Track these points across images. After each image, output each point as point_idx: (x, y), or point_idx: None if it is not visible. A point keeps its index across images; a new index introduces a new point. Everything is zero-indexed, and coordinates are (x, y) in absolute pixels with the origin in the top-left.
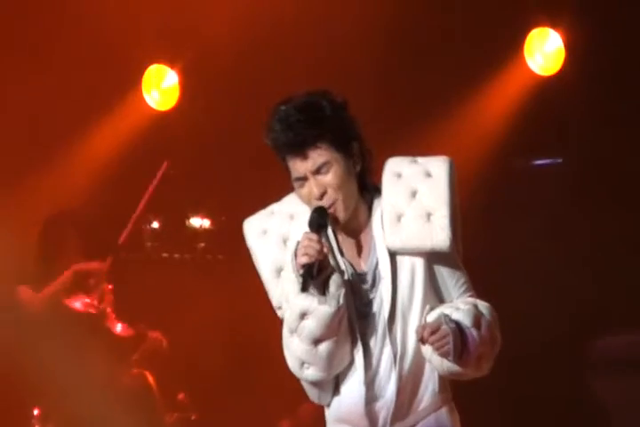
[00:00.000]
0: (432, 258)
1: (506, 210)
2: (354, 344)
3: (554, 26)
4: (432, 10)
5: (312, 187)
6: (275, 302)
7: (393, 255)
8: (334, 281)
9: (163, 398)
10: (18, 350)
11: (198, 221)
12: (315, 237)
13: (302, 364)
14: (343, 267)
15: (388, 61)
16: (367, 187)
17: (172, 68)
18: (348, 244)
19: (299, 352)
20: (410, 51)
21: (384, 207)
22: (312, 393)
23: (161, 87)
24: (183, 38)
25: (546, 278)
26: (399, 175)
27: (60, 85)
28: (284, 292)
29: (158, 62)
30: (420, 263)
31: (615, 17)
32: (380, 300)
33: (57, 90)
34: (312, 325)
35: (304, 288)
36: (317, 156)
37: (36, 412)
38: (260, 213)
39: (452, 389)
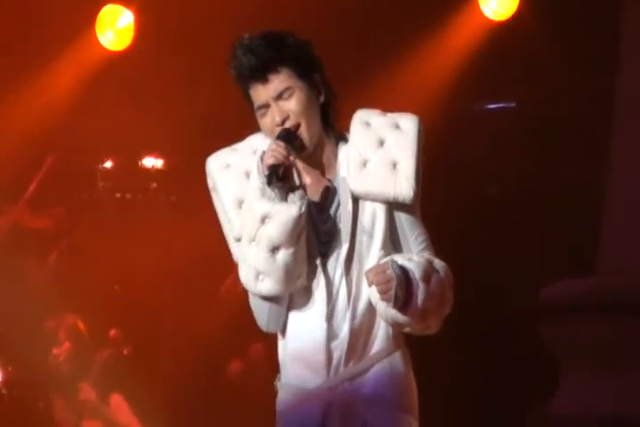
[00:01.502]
0: (393, 209)
1: (459, 155)
2: (314, 276)
3: None
4: None
5: (274, 113)
6: (235, 233)
7: (355, 200)
8: (298, 192)
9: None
10: None
11: (151, 161)
12: (282, 144)
13: (257, 275)
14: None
15: (342, 6)
16: (332, 126)
17: (127, 7)
18: (310, 180)
19: (255, 262)
20: None
21: (350, 152)
22: (261, 316)
23: (116, 27)
24: None
25: (496, 225)
26: (368, 124)
27: (14, 24)
28: (247, 207)
29: (113, 2)
30: (381, 211)
31: None
32: (339, 241)
33: (11, 28)
34: (271, 229)
35: (269, 182)
36: (279, 81)
37: None
38: (223, 149)
39: (404, 335)
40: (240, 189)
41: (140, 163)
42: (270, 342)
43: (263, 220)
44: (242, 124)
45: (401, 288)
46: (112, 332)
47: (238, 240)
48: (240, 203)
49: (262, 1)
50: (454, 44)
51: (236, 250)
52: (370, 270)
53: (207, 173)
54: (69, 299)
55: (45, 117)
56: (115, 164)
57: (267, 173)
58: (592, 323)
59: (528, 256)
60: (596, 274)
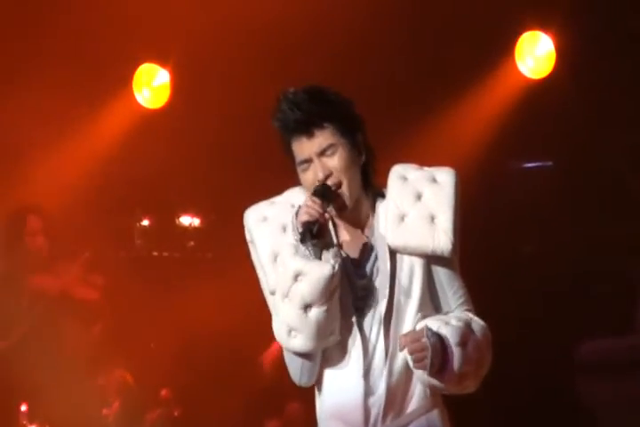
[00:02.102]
0: (432, 263)
1: (496, 213)
2: (350, 333)
3: (544, 29)
4: (424, 13)
5: (317, 169)
6: (270, 287)
7: (393, 254)
8: (333, 250)
9: (146, 395)
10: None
11: (188, 220)
12: (318, 200)
13: (290, 331)
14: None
15: (380, 65)
16: (370, 185)
17: (163, 66)
18: (348, 237)
19: (288, 318)
20: (402, 54)
21: (388, 207)
22: (295, 371)
23: (152, 85)
24: (174, 37)
25: (535, 282)
26: (405, 178)
27: (51, 82)
28: (281, 267)
29: (149, 61)
30: (419, 266)
31: (605, 20)
32: (376, 296)
33: (48, 86)
34: (304, 287)
35: (303, 240)
36: (324, 137)
37: (23, 408)
38: (261, 202)
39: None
40: (276, 242)
41: (176, 221)
42: (307, 400)
43: (296, 277)
44: (278, 183)
45: (436, 356)
46: (162, 392)
47: (273, 294)
48: (276, 256)
49: (300, 58)
50: (491, 102)
51: (272, 303)
52: (404, 338)
53: (245, 226)
54: (116, 359)
55: (84, 174)
56: (151, 221)
57: (301, 229)
58: (632, 380)
59: (565, 314)
60: (635, 331)
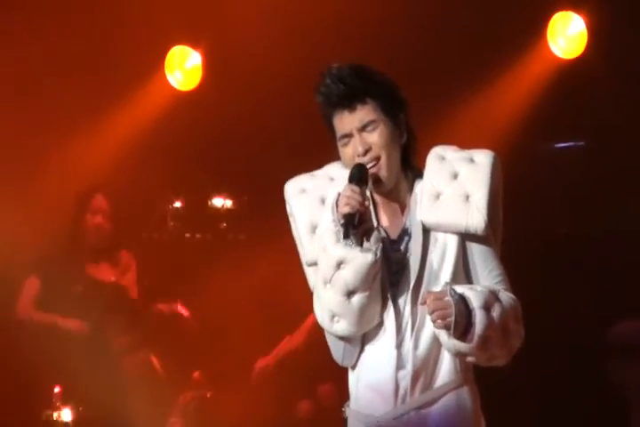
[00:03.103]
0: (466, 241)
1: (528, 194)
2: (385, 307)
3: (576, 9)
4: None
5: (356, 144)
6: (308, 259)
7: (427, 232)
8: (374, 235)
9: (180, 378)
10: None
11: (220, 202)
12: (357, 189)
13: (333, 317)
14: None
15: (411, 46)
16: (410, 165)
17: (195, 48)
18: (384, 213)
19: (331, 304)
20: (433, 35)
21: (425, 185)
22: (337, 352)
23: (184, 68)
24: (206, 19)
25: (566, 265)
26: (443, 158)
27: (84, 65)
28: (321, 244)
29: (181, 43)
30: (453, 243)
31: (637, 0)
32: (409, 271)
33: (81, 70)
34: (347, 275)
35: (346, 235)
36: (366, 112)
37: (57, 390)
38: (301, 175)
39: (474, 371)
40: (314, 214)
41: (209, 202)
42: (339, 381)
43: (339, 265)
44: (310, 163)
45: (460, 316)
46: (195, 374)
47: (309, 265)
48: (314, 228)
49: (331, 40)
50: (523, 82)
51: (312, 277)
52: (428, 295)
53: (285, 198)
54: (145, 340)
55: (116, 156)
56: (184, 203)
57: (342, 221)
58: None
59: (599, 295)
60: None
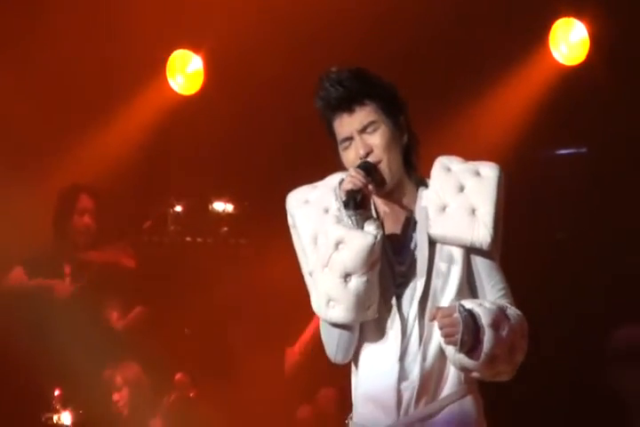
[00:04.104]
0: (471, 255)
1: (530, 200)
2: (388, 316)
3: (579, 16)
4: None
5: (358, 146)
6: (310, 268)
7: (432, 244)
8: (374, 223)
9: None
10: (40, 333)
11: (221, 206)
12: (362, 172)
13: (329, 302)
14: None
15: (413, 51)
16: (414, 169)
17: (196, 53)
18: (388, 220)
19: (327, 287)
20: (435, 41)
21: (430, 196)
22: (330, 345)
23: (185, 72)
24: (208, 23)
25: (566, 270)
26: (448, 169)
27: (86, 69)
28: (322, 230)
29: (183, 48)
30: (458, 256)
31: (639, 7)
32: (415, 283)
33: (83, 73)
34: (345, 255)
35: (346, 205)
36: (365, 113)
37: (57, 393)
38: (303, 186)
39: (477, 382)
40: (318, 224)
41: (210, 207)
42: (340, 386)
43: (337, 245)
44: (311, 169)
45: (468, 333)
46: (177, 376)
47: (310, 275)
48: (317, 238)
49: (332, 45)
50: (525, 89)
51: (313, 295)
52: (437, 311)
53: (287, 210)
54: (139, 342)
55: (118, 160)
56: (185, 207)
57: (344, 198)
58: None
59: (599, 301)
60: None
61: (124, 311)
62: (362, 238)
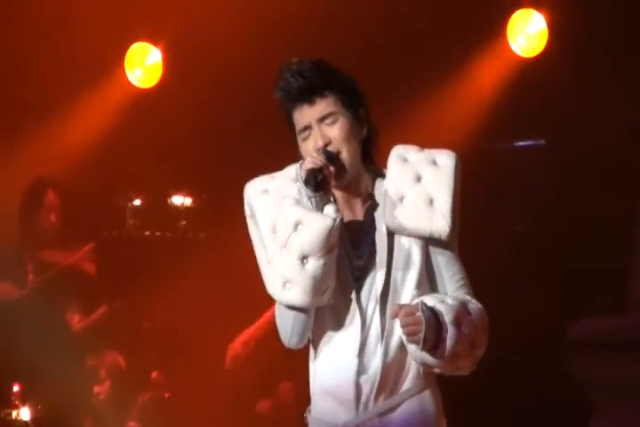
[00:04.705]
0: (430, 245)
1: (488, 192)
2: (348, 310)
3: (537, 7)
4: None
5: (316, 137)
6: (269, 258)
7: (391, 235)
8: (334, 206)
9: (139, 377)
10: None
11: (180, 200)
12: (324, 155)
13: (285, 283)
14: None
15: (371, 43)
16: (372, 162)
17: (155, 45)
18: (346, 213)
19: (284, 269)
20: (392, 32)
21: (387, 187)
22: (285, 328)
23: (144, 65)
24: (167, 16)
25: (524, 262)
26: (405, 160)
27: (42, 62)
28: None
29: (142, 40)
30: (417, 247)
31: None
32: (374, 276)
33: (39, 67)
34: (304, 236)
35: (307, 182)
36: (325, 104)
37: (15, 388)
38: (261, 176)
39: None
40: (277, 213)
41: (169, 200)
42: (299, 379)
43: (296, 226)
44: (270, 162)
45: (430, 331)
46: (153, 374)
47: (269, 264)
48: (275, 227)
49: (291, 37)
50: (483, 81)
51: (269, 275)
52: (399, 310)
53: (245, 199)
54: (108, 339)
55: (75, 154)
56: (143, 201)
57: (305, 176)
58: (621, 360)
59: (557, 293)
60: (625, 310)
61: (85, 312)
62: (321, 220)
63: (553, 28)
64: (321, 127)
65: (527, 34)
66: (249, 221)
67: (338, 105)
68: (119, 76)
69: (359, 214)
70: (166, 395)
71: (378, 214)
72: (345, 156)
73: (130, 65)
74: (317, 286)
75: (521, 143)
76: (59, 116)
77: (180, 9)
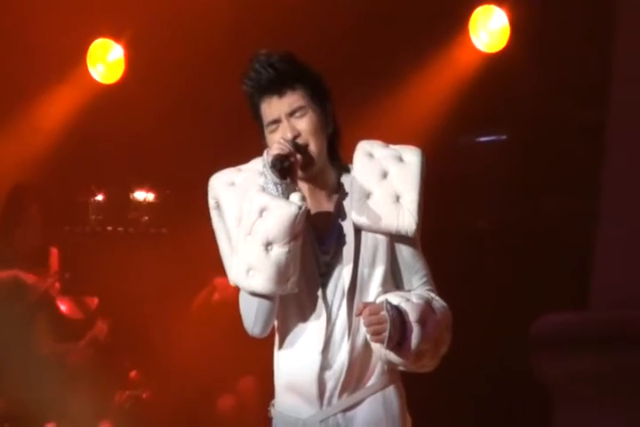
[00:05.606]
0: (395, 242)
1: (450, 187)
2: (314, 307)
3: (499, 3)
4: None
5: (285, 130)
6: (234, 250)
7: (357, 231)
8: (299, 195)
9: (110, 376)
10: None
11: (142, 195)
12: (291, 143)
13: (249, 270)
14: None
15: (333, 38)
16: (337, 156)
17: (117, 41)
18: (312, 207)
19: (248, 256)
20: (355, 27)
21: (353, 184)
22: (248, 316)
23: (106, 61)
24: (129, 12)
25: (487, 258)
26: (371, 156)
27: (6, 58)
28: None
29: (104, 36)
30: (382, 244)
31: None
32: (341, 272)
33: (3, 62)
34: (269, 223)
35: (273, 166)
36: (295, 97)
37: None
38: (227, 169)
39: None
40: (244, 205)
41: (131, 196)
42: (261, 373)
43: (261, 213)
44: (233, 157)
45: (395, 330)
46: (132, 373)
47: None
48: (242, 219)
49: (254, 32)
50: (445, 77)
51: (232, 267)
52: (364, 308)
53: (209, 190)
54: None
55: (37, 149)
56: (106, 196)
57: (271, 162)
58: (582, 355)
59: (520, 289)
60: (591, 306)
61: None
62: (286, 207)
63: (514, 24)
64: (290, 120)
65: (489, 30)
66: (212, 213)
67: (307, 99)
68: (82, 72)
69: (325, 207)
70: (144, 395)
71: (344, 211)
72: (312, 148)
73: (92, 61)
74: (281, 273)
75: (483, 139)
76: (21, 111)
77: (142, 5)
